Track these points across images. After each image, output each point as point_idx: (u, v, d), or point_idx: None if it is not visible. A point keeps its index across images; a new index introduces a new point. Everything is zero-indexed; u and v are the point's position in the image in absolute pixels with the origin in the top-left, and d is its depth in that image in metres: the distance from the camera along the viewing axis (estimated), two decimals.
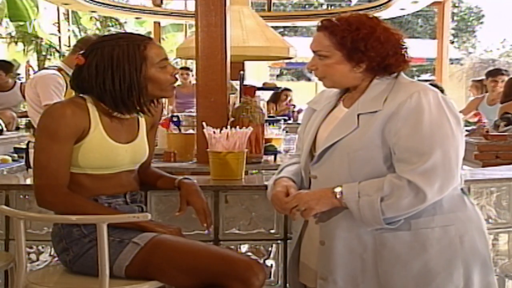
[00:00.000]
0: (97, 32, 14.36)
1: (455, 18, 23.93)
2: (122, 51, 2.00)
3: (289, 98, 8.46)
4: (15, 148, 4.89)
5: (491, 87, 6.03)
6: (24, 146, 4.01)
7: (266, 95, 7.92)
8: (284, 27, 19.03)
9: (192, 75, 8.24)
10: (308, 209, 1.86)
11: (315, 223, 1.95)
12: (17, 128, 5.54)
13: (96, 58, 2.01)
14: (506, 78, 5.74)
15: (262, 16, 5.68)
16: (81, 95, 2.07)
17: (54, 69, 3.73)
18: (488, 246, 1.97)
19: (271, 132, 3.83)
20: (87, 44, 3.61)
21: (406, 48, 1.90)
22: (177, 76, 2.13)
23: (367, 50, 1.83)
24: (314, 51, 1.92)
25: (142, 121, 2.17)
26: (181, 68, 8.86)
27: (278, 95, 8.34)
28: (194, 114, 3.40)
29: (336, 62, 1.87)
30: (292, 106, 8.25)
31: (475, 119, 5.78)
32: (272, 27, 5.49)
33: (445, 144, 1.77)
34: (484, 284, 1.91)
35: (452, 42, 21.18)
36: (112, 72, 1.99)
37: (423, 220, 1.83)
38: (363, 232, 1.85)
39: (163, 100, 2.76)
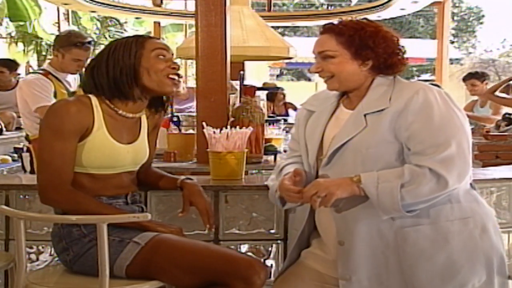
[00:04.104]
0: (97, 32, 14.35)
1: (455, 18, 23.92)
2: (121, 41, 2.07)
3: (283, 99, 8.42)
4: (15, 148, 4.89)
5: (473, 90, 6.03)
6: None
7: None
8: (284, 27, 19.02)
9: (183, 81, 8.10)
10: (328, 194, 1.79)
11: (328, 222, 1.94)
12: (17, 128, 5.53)
13: (101, 52, 2.08)
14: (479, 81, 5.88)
15: (262, 16, 5.68)
16: (87, 95, 2.07)
17: (39, 73, 3.70)
18: (503, 244, 1.98)
19: (271, 132, 3.83)
20: (62, 41, 3.66)
21: (404, 50, 1.94)
22: (176, 71, 2.07)
23: (375, 46, 1.88)
24: (319, 52, 1.93)
25: (144, 122, 2.17)
26: None
27: (275, 95, 8.32)
28: (194, 114, 3.40)
29: (343, 61, 1.90)
30: (290, 105, 8.23)
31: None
32: (272, 27, 5.49)
33: (457, 135, 1.81)
34: (502, 278, 1.93)
35: (452, 42, 21.15)
36: (108, 57, 2.03)
37: (442, 212, 1.85)
38: (384, 228, 1.85)
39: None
